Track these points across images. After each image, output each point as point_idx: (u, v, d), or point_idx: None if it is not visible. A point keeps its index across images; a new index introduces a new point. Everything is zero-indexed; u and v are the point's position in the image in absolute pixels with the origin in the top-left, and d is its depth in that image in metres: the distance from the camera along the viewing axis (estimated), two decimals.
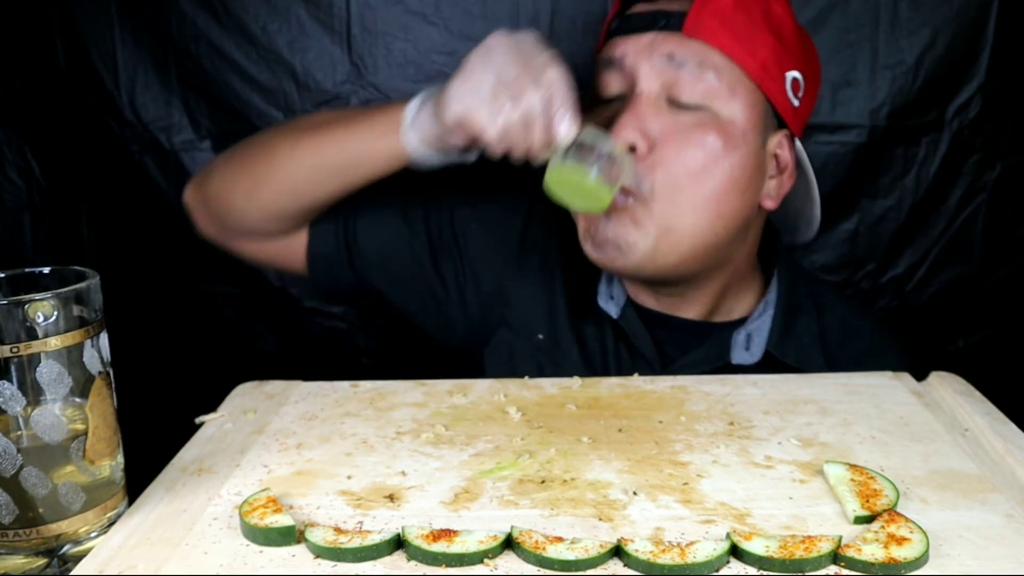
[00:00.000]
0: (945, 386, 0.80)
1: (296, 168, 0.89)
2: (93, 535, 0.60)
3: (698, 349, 0.91)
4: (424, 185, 0.94)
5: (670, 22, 0.83)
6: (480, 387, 0.82)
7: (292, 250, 0.97)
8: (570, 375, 0.83)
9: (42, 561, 0.59)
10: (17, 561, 0.58)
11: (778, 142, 0.87)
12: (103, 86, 1.23)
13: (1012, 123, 1.23)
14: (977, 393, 0.78)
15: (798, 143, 0.90)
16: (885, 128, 1.23)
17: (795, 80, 0.86)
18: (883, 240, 1.28)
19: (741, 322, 0.92)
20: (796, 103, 0.86)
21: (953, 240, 1.27)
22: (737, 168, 0.84)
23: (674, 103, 0.83)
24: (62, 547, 0.59)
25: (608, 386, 0.82)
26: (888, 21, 1.20)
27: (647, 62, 0.83)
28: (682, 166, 0.82)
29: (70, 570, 0.55)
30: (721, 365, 0.90)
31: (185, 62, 1.23)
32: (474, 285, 0.97)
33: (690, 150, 0.82)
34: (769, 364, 0.89)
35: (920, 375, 0.82)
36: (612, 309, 0.92)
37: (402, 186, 0.92)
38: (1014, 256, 1.28)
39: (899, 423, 0.73)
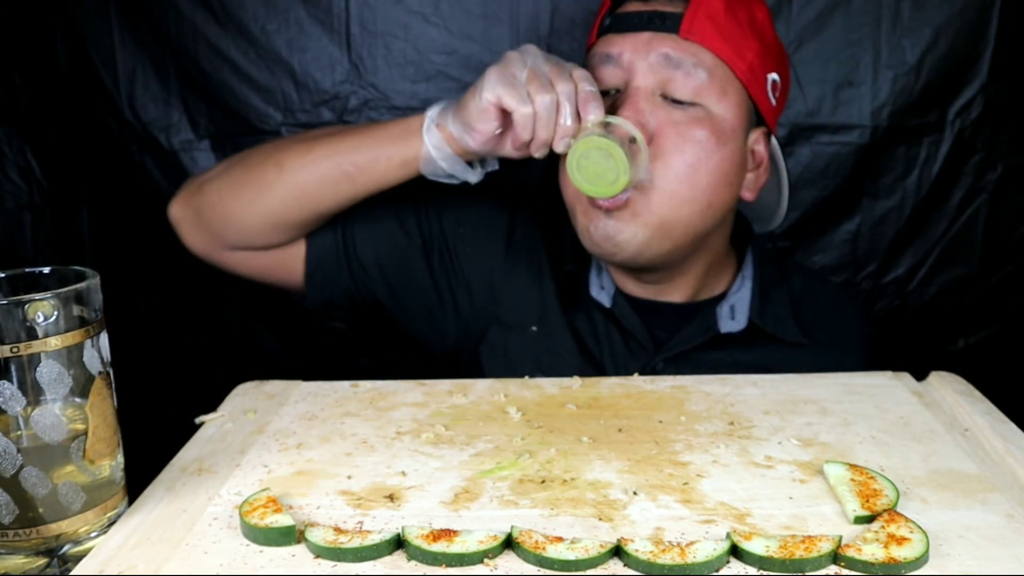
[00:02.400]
0: (945, 386, 0.80)
1: (307, 173, 0.90)
2: (93, 535, 0.60)
3: (688, 326, 0.96)
4: (411, 192, 0.95)
5: (666, 23, 0.87)
6: (480, 387, 0.82)
7: (288, 262, 0.98)
8: (566, 363, 0.85)
9: (42, 561, 0.59)
10: (17, 561, 0.58)
11: (756, 138, 0.93)
12: (103, 86, 1.23)
13: (1013, 124, 1.23)
14: (977, 393, 0.78)
15: (773, 140, 0.96)
16: (887, 128, 1.23)
17: (774, 82, 0.92)
18: (884, 241, 1.28)
19: (722, 296, 0.98)
20: (773, 102, 0.93)
21: (954, 240, 1.27)
22: (727, 162, 0.89)
23: (668, 99, 0.88)
24: (62, 547, 0.59)
25: (608, 386, 0.82)
26: (890, 21, 1.20)
27: (644, 60, 0.87)
28: (679, 158, 0.87)
29: (70, 570, 0.55)
30: (710, 337, 0.95)
31: (184, 62, 1.23)
32: (465, 287, 0.99)
33: (686, 144, 0.87)
34: (751, 331, 0.96)
35: (920, 375, 0.82)
36: (604, 298, 0.97)
37: (389, 194, 0.93)
38: (1014, 256, 1.28)
39: (899, 423, 0.73)
